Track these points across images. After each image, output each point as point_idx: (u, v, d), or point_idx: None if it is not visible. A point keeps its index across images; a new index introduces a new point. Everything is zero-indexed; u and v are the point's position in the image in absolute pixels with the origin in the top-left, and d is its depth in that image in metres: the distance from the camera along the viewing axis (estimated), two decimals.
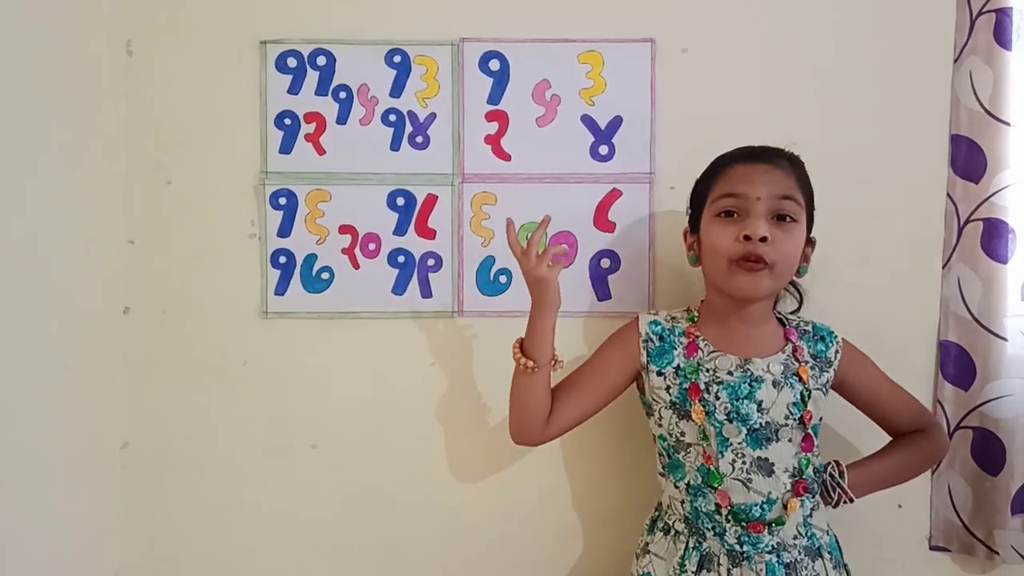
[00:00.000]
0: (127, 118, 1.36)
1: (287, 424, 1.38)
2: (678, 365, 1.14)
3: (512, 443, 1.18)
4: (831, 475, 1.15)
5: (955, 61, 1.35)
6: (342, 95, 1.36)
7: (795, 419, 1.10)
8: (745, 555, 1.09)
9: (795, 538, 1.10)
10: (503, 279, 1.37)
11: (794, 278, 1.16)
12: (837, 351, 1.17)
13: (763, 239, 1.05)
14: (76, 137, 1.25)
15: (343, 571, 1.40)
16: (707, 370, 1.12)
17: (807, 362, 1.14)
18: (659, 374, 1.14)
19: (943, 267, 1.36)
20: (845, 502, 1.15)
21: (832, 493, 1.15)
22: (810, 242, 1.15)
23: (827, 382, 1.15)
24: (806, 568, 1.09)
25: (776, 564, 1.08)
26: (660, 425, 1.16)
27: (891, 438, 1.24)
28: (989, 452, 1.32)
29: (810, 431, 1.11)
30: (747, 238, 1.05)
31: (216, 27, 1.35)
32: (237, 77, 1.36)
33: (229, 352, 1.38)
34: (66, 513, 1.24)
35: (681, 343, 1.15)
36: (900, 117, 1.36)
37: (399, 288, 1.37)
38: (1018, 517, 1.30)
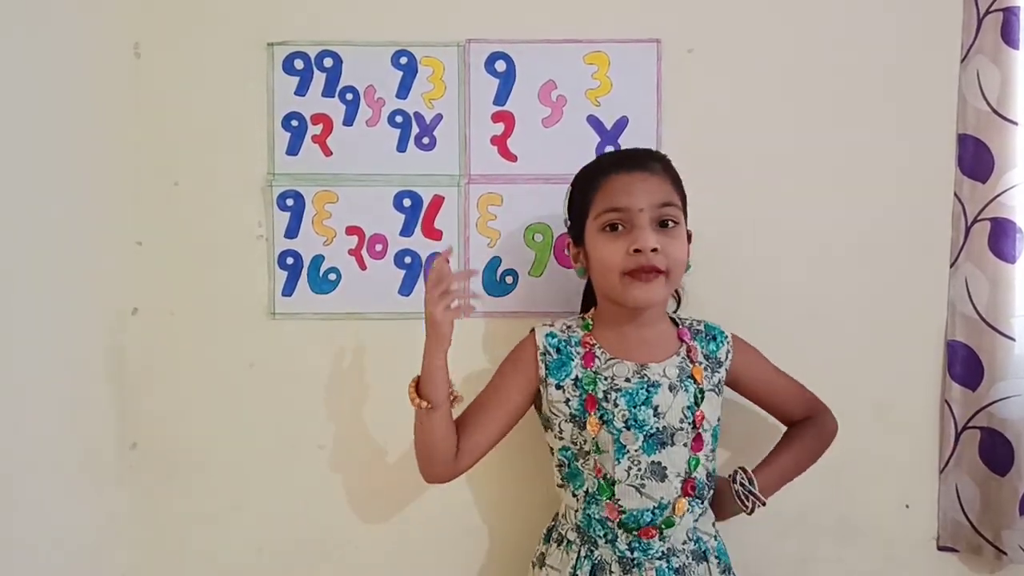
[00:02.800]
0: (135, 120, 1.36)
1: (294, 425, 1.39)
2: (576, 376, 1.13)
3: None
4: (741, 484, 1.15)
5: (962, 60, 1.34)
6: (349, 96, 1.36)
7: (689, 422, 1.11)
8: (636, 561, 1.09)
9: (684, 543, 1.11)
10: (509, 280, 1.38)
11: None
12: (728, 351, 1.18)
13: (654, 250, 1.05)
14: (84, 139, 1.26)
15: (349, 572, 1.40)
16: (605, 378, 1.11)
17: (700, 363, 1.15)
18: (558, 387, 1.13)
19: (950, 267, 1.36)
20: (759, 506, 1.15)
21: (747, 501, 1.14)
22: (688, 237, 1.14)
23: (720, 382, 1.16)
24: (693, 572, 1.10)
25: (666, 569, 1.09)
26: (560, 438, 1.14)
27: (784, 427, 1.26)
28: (997, 452, 1.32)
29: (701, 432, 1.11)
30: (637, 251, 1.06)
31: (223, 29, 1.36)
32: (244, 79, 1.36)
33: (237, 353, 1.38)
34: (74, 513, 1.25)
35: (578, 353, 1.14)
36: (907, 117, 1.36)
37: (406, 289, 1.38)
38: None
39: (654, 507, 1.09)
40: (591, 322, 1.18)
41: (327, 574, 1.40)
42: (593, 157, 1.35)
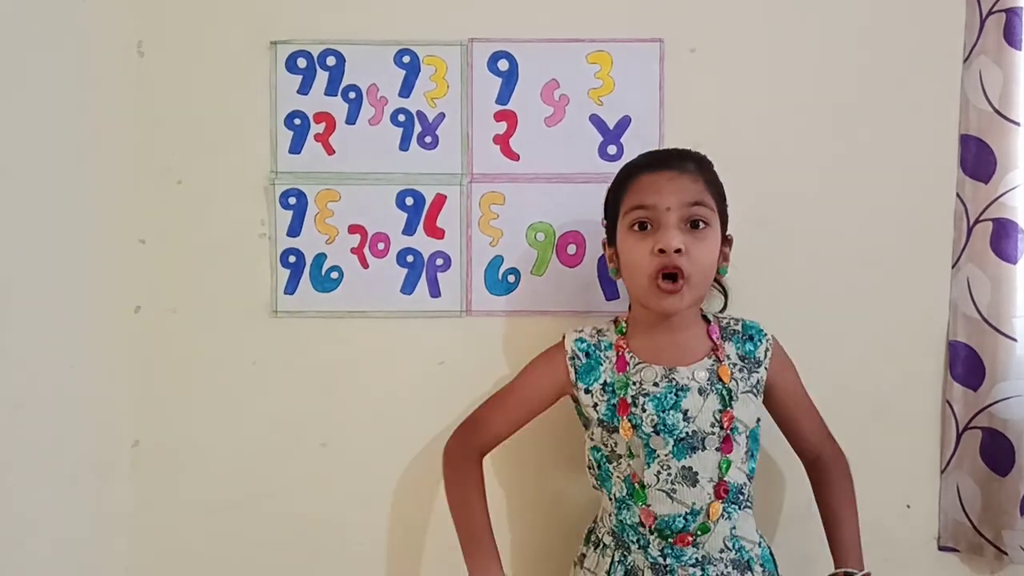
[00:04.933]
0: (138, 118, 1.36)
1: (296, 423, 1.39)
2: (605, 381, 1.13)
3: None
4: None
5: (965, 61, 1.34)
6: (351, 95, 1.37)
7: (719, 424, 1.08)
8: (669, 568, 1.07)
9: (722, 551, 1.08)
10: (511, 279, 1.38)
11: (717, 277, 1.15)
12: (767, 350, 1.15)
13: (677, 251, 1.03)
14: (87, 137, 1.26)
15: (351, 570, 1.40)
16: (633, 383, 1.11)
17: (734, 363, 1.12)
18: (587, 392, 1.13)
19: (952, 267, 1.36)
20: None
21: None
22: (727, 241, 1.14)
23: (759, 382, 1.13)
24: None
25: None
26: (592, 438, 1.15)
27: (802, 460, 1.23)
28: (998, 453, 1.32)
29: (730, 433, 1.08)
30: (662, 251, 1.04)
31: (226, 28, 1.36)
32: (247, 77, 1.36)
33: (239, 351, 1.38)
34: (77, 510, 1.25)
35: (608, 358, 1.14)
36: (909, 117, 1.36)
37: (408, 287, 1.38)
38: None
39: (686, 513, 1.07)
40: (625, 325, 1.17)
41: (330, 572, 1.41)
42: (595, 156, 1.36)
